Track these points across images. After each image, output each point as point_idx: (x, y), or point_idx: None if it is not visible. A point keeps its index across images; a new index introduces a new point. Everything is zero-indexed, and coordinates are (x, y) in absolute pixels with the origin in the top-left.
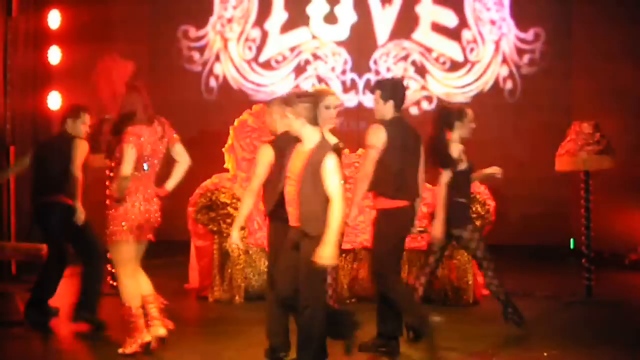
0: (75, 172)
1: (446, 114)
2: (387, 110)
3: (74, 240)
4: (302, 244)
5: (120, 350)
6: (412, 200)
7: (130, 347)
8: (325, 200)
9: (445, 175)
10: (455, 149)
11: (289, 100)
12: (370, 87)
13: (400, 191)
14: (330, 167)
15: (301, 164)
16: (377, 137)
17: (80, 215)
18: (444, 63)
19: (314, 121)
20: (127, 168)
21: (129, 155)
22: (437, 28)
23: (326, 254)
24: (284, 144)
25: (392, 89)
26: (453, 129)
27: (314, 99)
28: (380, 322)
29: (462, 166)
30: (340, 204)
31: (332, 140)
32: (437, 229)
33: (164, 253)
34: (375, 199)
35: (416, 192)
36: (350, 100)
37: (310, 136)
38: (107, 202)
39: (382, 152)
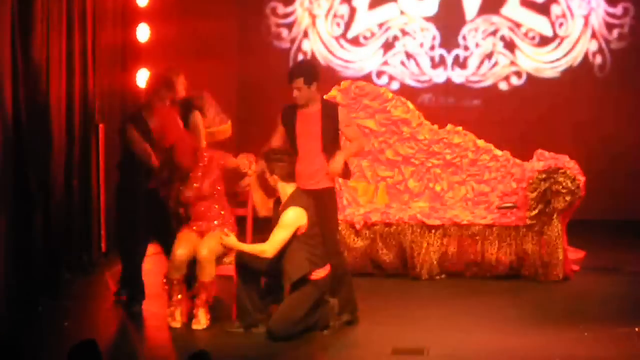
0: None
1: None
2: (314, 93)
3: None
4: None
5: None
6: None
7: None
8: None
9: None
10: None
11: (266, 157)
12: (288, 76)
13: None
14: (283, 218)
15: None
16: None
17: None
18: (533, 38)
19: (288, 178)
20: None
21: None
22: (526, 3)
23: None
24: None
25: (313, 72)
26: None
27: (289, 156)
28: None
29: None
30: (267, 253)
31: None
32: None
33: None
34: (327, 174)
35: None
36: (438, 76)
37: (284, 191)
38: None
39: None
